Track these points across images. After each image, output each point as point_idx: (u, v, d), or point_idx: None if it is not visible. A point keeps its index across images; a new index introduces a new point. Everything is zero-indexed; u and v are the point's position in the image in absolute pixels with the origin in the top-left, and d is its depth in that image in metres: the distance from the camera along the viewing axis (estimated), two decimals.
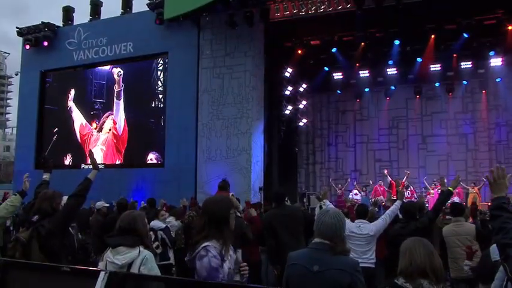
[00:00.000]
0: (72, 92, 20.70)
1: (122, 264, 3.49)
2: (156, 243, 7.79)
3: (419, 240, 3.05)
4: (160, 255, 7.78)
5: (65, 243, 4.54)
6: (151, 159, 18.94)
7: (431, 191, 18.19)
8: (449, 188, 6.16)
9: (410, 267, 2.89)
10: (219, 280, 3.14)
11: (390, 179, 19.14)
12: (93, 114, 20.25)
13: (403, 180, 18.25)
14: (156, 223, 8.14)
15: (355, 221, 6.57)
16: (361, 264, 3.62)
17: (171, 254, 8.22)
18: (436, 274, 2.87)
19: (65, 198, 6.50)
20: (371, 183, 20.13)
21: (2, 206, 5.00)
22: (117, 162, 19.64)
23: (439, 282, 2.88)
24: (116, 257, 3.55)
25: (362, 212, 6.81)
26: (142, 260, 3.54)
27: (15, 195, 5.16)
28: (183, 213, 9.72)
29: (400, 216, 6.86)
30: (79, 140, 20.46)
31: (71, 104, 20.72)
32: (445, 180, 7.22)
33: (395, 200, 7.70)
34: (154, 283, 3.19)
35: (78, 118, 20.57)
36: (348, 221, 6.10)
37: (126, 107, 19.59)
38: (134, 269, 3.49)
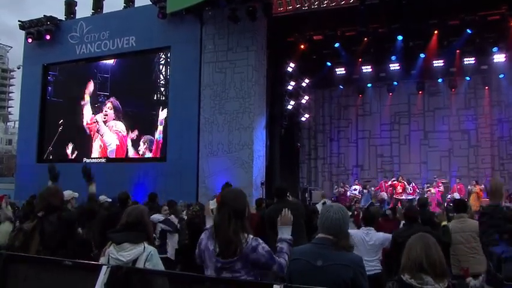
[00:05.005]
0: (91, 86, 20.59)
1: (127, 261, 3.47)
2: (153, 235, 7.80)
3: (420, 235, 3.07)
4: (157, 248, 7.79)
5: (67, 239, 4.52)
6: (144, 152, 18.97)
7: (432, 190, 18.22)
8: None
9: (409, 261, 2.92)
10: (277, 261, 3.22)
11: (391, 182, 19.14)
12: (97, 107, 20.26)
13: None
14: (155, 216, 8.16)
15: (362, 228, 6.49)
16: (368, 272, 3.61)
17: (169, 248, 8.25)
18: (435, 268, 2.86)
19: (66, 193, 6.50)
20: (373, 188, 20.01)
21: None
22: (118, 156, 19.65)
23: (441, 277, 2.87)
24: (120, 253, 3.52)
25: (369, 219, 6.70)
26: (147, 256, 3.53)
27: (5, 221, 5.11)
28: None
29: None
30: (88, 133, 20.39)
31: (87, 98, 20.59)
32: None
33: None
34: (158, 278, 3.18)
35: (87, 112, 20.52)
36: (354, 229, 6.05)
37: (127, 100, 19.62)
38: (139, 265, 3.47)
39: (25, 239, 4.22)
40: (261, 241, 3.23)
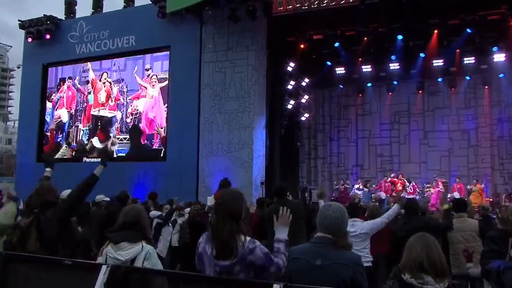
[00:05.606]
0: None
1: (125, 260, 3.46)
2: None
3: (420, 235, 3.08)
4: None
5: (65, 234, 4.49)
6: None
7: (432, 190, 18.24)
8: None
9: (409, 261, 2.93)
10: (275, 262, 3.14)
11: (391, 178, 19.16)
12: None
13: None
14: (153, 212, 8.21)
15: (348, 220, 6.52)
16: None
17: (160, 245, 8.31)
18: (435, 268, 2.86)
19: (65, 192, 6.51)
20: (374, 187, 20.01)
21: (1, 214, 4.91)
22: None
23: (442, 277, 2.87)
24: (118, 253, 3.51)
25: (353, 210, 6.72)
26: (145, 255, 3.52)
27: (9, 201, 5.06)
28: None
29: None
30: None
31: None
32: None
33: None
34: (157, 277, 3.18)
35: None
36: None
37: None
38: (137, 264, 3.46)
39: (22, 235, 4.22)
40: (258, 243, 3.17)
